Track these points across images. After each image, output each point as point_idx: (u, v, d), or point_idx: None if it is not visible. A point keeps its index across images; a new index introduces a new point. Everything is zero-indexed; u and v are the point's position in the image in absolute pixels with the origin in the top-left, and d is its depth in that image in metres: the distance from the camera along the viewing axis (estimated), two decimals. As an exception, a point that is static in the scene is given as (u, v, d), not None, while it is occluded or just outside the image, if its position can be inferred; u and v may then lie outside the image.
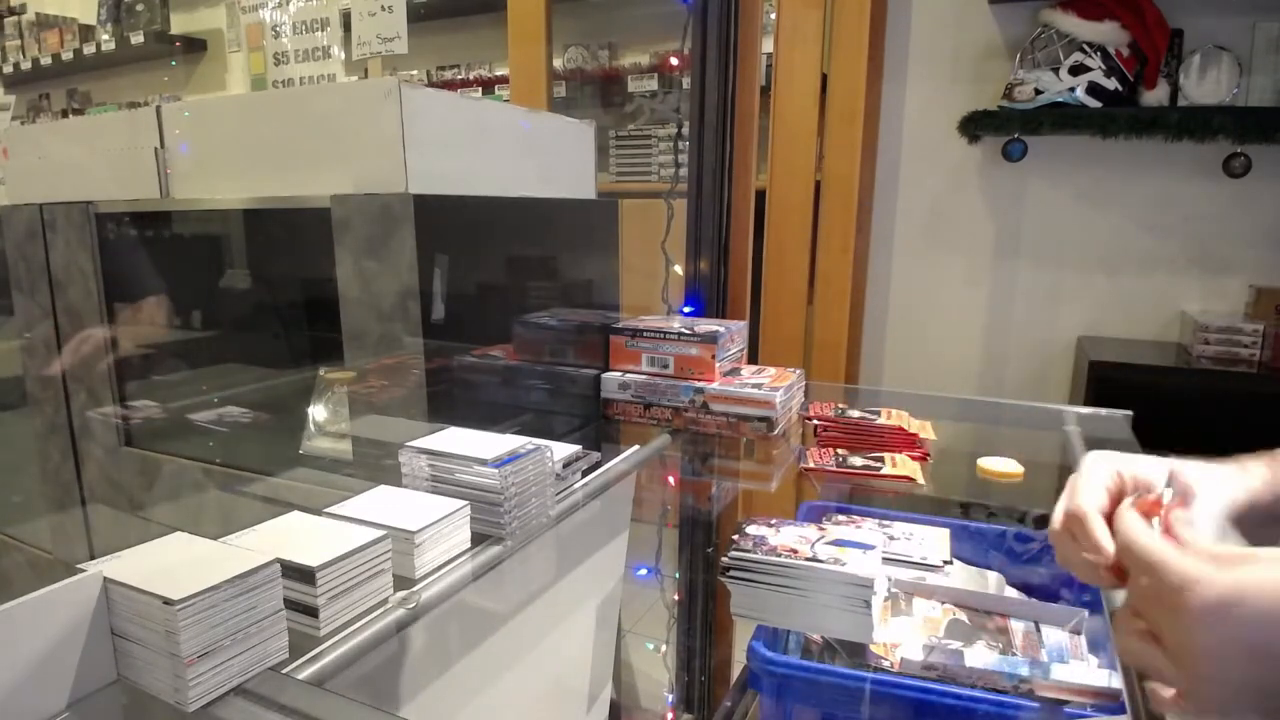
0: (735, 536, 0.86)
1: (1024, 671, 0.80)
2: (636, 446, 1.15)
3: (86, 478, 1.40)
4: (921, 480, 1.08)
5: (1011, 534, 1.13)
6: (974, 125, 2.38)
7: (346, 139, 1.04)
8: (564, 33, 3.11)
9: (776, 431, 1.19)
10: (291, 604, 0.63)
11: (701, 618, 1.62)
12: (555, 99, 3.02)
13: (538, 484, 0.85)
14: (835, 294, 2.53)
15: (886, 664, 0.85)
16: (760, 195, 1.98)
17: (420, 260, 0.96)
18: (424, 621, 0.71)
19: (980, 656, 0.84)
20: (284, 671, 0.59)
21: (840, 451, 1.16)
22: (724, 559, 0.82)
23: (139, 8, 4.16)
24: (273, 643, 0.60)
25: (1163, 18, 2.17)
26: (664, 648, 1.66)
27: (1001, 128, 2.34)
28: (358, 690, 0.63)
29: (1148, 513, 0.54)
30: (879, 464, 1.11)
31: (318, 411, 1.16)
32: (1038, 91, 2.26)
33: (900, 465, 1.11)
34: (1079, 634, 0.94)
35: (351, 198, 1.00)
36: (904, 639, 0.90)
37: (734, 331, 1.32)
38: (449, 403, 1.04)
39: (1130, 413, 1.20)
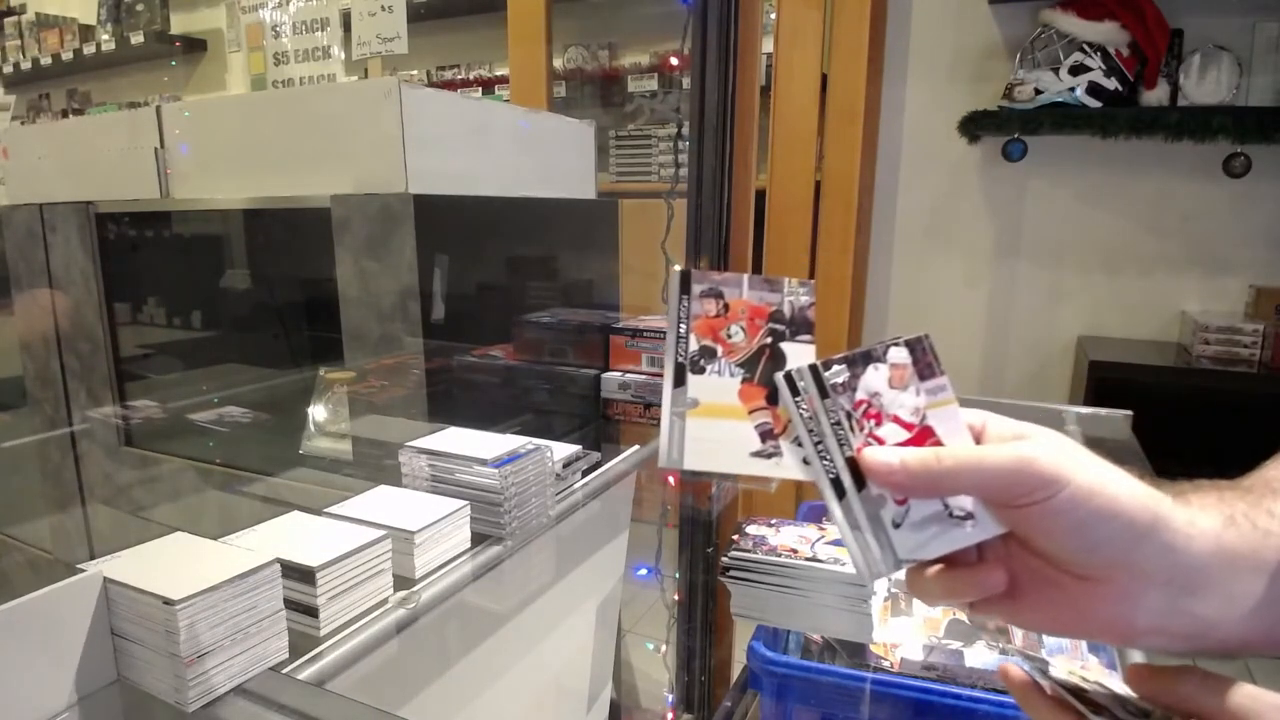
0: (735, 536, 0.86)
1: (1024, 671, 0.80)
2: (636, 446, 1.15)
3: (86, 478, 1.40)
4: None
5: (1011, 534, 1.13)
6: (974, 125, 2.38)
7: (346, 139, 1.04)
8: (564, 33, 3.11)
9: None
10: (291, 604, 0.63)
11: (701, 618, 1.62)
12: (555, 99, 3.02)
13: (538, 484, 0.85)
14: (835, 294, 2.53)
15: (886, 664, 0.85)
16: (760, 195, 1.98)
17: (420, 260, 0.96)
18: (424, 621, 0.71)
19: (980, 656, 0.84)
20: (284, 671, 0.59)
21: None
22: (724, 559, 0.82)
23: (139, 8, 4.16)
24: (273, 643, 0.60)
25: (1163, 18, 2.17)
26: (664, 648, 1.66)
27: (1001, 128, 2.34)
28: (358, 690, 0.63)
29: None
30: (879, 464, 1.10)
31: (318, 411, 1.16)
32: (1038, 91, 2.26)
33: (900, 465, 1.10)
34: (1079, 634, 0.93)
35: (351, 198, 1.00)
36: (904, 639, 0.90)
37: (734, 331, 1.32)
38: (449, 403, 1.04)
39: (1130, 413, 1.20)
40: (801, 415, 0.40)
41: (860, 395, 0.40)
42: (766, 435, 0.41)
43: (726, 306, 0.43)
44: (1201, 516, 0.37)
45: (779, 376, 0.41)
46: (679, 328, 0.42)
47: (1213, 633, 0.37)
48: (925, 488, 0.38)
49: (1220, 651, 0.38)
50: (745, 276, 0.44)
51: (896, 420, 0.40)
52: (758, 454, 0.40)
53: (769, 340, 0.43)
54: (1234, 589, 0.37)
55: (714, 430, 0.41)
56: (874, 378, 0.40)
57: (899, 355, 0.40)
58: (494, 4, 2.91)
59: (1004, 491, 0.37)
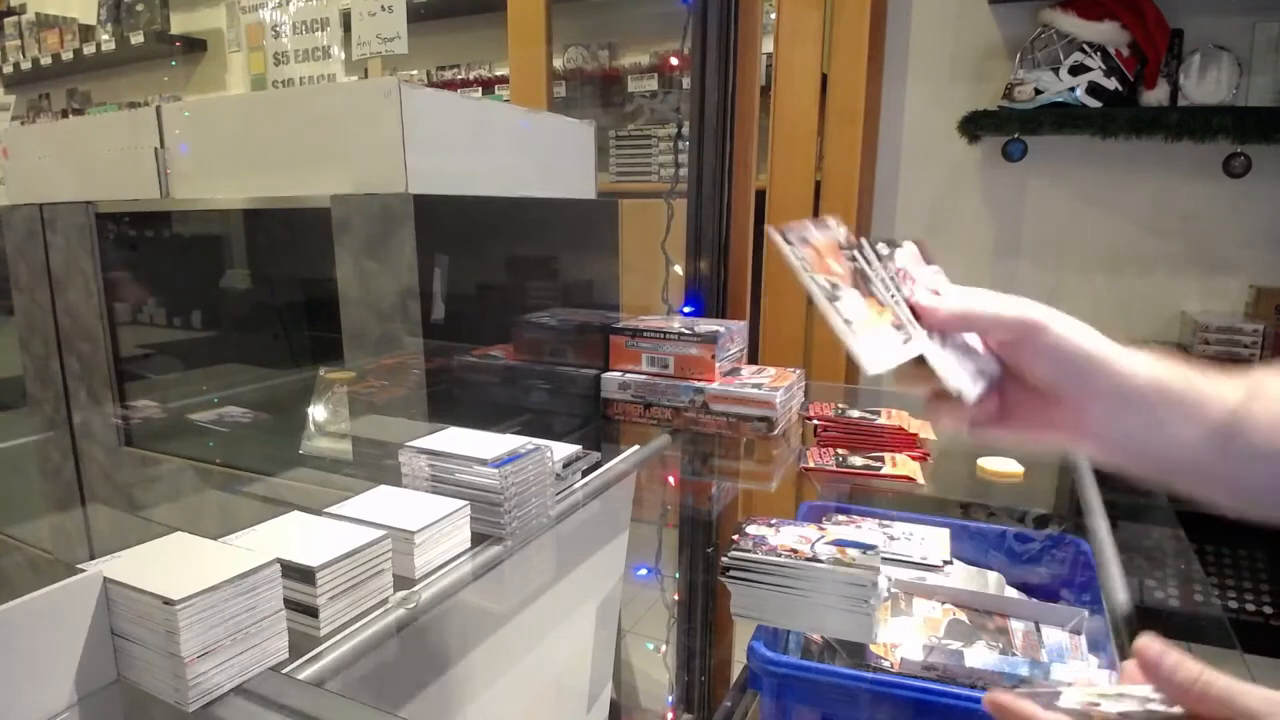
0: (735, 536, 0.86)
1: (1024, 672, 0.79)
2: (636, 446, 1.15)
3: (86, 478, 1.40)
4: (921, 480, 1.08)
5: (1011, 534, 1.13)
6: (974, 125, 2.38)
7: (346, 139, 1.04)
8: (564, 33, 3.11)
9: (776, 431, 1.19)
10: (291, 604, 0.63)
11: (701, 618, 1.62)
12: (555, 99, 3.03)
13: (538, 484, 0.85)
14: (835, 294, 2.52)
15: (886, 664, 0.85)
16: (760, 195, 1.98)
17: (420, 260, 0.96)
18: (424, 621, 0.71)
19: (980, 657, 0.84)
20: (284, 671, 0.59)
21: (840, 451, 1.16)
22: (724, 559, 0.82)
23: (139, 8, 4.16)
24: (273, 643, 0.60)
25: (1163, 18, 2.17)
26: (664, 648, 1.66)
27: (1001, 128, 2.34)
28: (358, 690, 0.63)
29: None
30: (879, 464, 1.11)
31: (318, 411, 1.16)
32: (1038, 91, 2.26)
33: (900, 465, 1.10)
34: (1079, 634, 0.93)
35: (351, 198, 1.00)
36: (904, 639, 0.90)
37: (734, 331, 1.32)
38: (449, 403, 1.04)
39: (1130, 413, 1.20)
40: (883, 278, 0.56)
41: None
42: (899, 328, 0.54)
43: (816, 249, 0.56)
44: (1144, 359, 0.52)
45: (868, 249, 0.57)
46: (808, 272, 0.54)
47: (1143, 450, 0.53)
48: (959, 326, 0.55)
49: (1154, 471, 0.53)
50: (808, 222, 0.57)
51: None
52: (904, 342, 0.53)
53: (851, 263, 0.56)
54: (1162, 416, 0.51)
55: (874, 337, 0.53)
56: (903, 255, 0.58)
57: (912, 247, 0.59)
58: (494, 4, 2.91)
59: (1011, 331, 0.53)
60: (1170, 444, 0.51)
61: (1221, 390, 0.51)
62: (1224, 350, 2.11)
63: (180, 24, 4.27)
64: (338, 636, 0.64)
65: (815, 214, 2.49)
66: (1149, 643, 0.43)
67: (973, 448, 1.23)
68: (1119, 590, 0.86)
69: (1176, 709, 0.42)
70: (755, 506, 1.55)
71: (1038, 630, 0.95)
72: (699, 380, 1.23)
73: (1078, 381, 0.52)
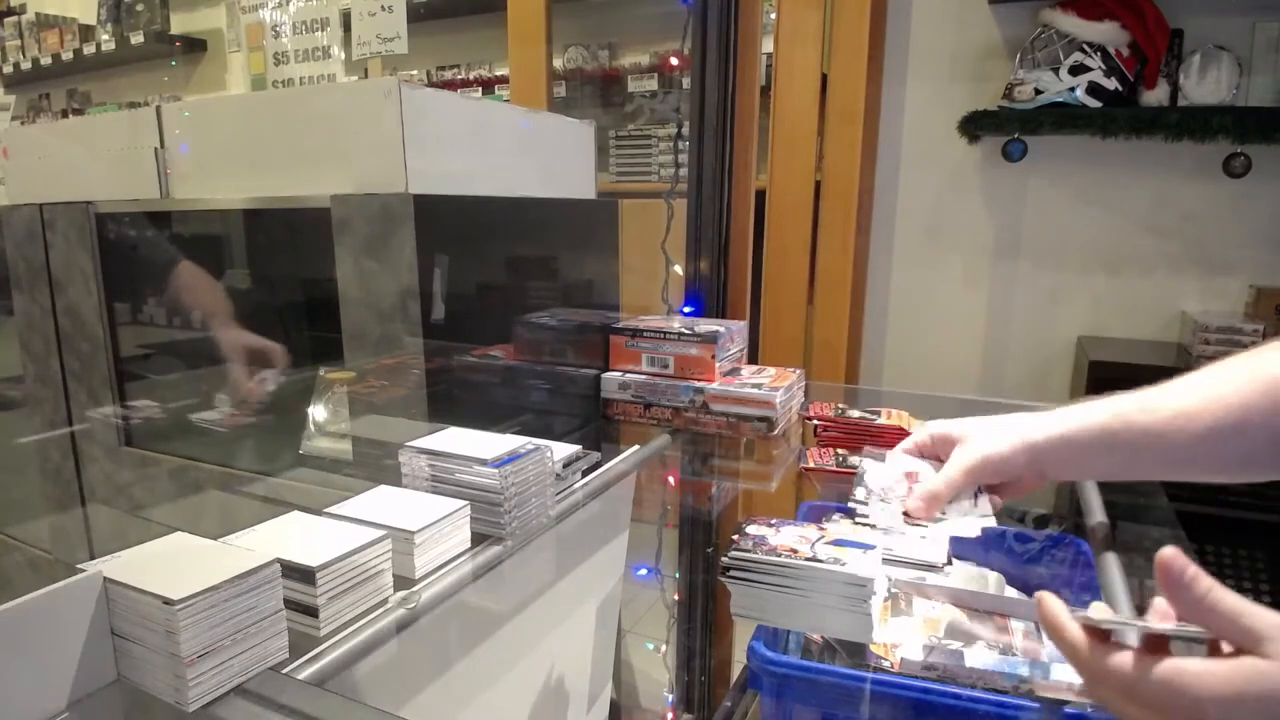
0: (735, 536, 0.86)
1: (1024, 672, 0.79)
2: (636, 446, 1.15)
3: (86, 478, 1.40)
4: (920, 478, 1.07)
5: (1011, 534, 1.13)
6: (974, 125, 2.38)
7: (346, 139, 1.04)
8: (564, 33, 3.12)
9: (776, 431, 1.19)
10: (291, 604, 0.63)
11: (701, 618, 1.62)
12: (555, 99, 3.03)
13: (538, 484, 0.85)
14: (835, 294, 2.53)
15: (886, 664, 0.85)
16: (760, 195, 1.98)
17: (420, 260, 0.96)
18: (424, 621, 0.71)
19: (980, 657, 0.84)
20: (284, 671, 0.59)
21: (840, 451, 1.16)
22: (724, 559, 0.82)
23: (139, 8, 4.16)
24: (273, 643, 0.60)
25: (1163, 18, 2.17)
26: (664, 648, 1.66)
27: (1001, 128, 2.34)
28: (358, 690, 0.63)
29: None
30: (879, 464, 1.10)
31: (318, 411, 1.16)
32: (1038, 91, 2.26)
33: (900, 465, 1.10)
34: (1079, 634, 0.93)
35: (351, 198, 1.00)
36: (904, 639, 0.90)
37: (734, 331, 1.32)
38: (449, 403, 1.04)
39: (1130, 413, 1.20)
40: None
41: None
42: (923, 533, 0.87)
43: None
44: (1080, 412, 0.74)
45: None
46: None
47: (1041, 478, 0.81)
48: (933, 508, 0.85)
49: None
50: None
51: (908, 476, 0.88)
52: (932, 539, 0.87)
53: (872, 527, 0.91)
54: (1059, 457, 0.76)
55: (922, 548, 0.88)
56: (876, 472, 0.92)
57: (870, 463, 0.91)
58: (494, 4, 2.91)
59: (972, 484, 0.83)
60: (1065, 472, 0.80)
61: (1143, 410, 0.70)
62: (1224, 350, 2.11)
63: (180, 24, 4.27)
64: (338, 636, 0.64)
65: (815, 214, 2.50)
66: (1173, 554, 0.45)
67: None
68: (1119, 590, 0.86)
69: (1178, 625, 0.45)
70: (755, 506, 1.55)
71: (1038, 630, 0.95)
72: (699, 380, 1.23)
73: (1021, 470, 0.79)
